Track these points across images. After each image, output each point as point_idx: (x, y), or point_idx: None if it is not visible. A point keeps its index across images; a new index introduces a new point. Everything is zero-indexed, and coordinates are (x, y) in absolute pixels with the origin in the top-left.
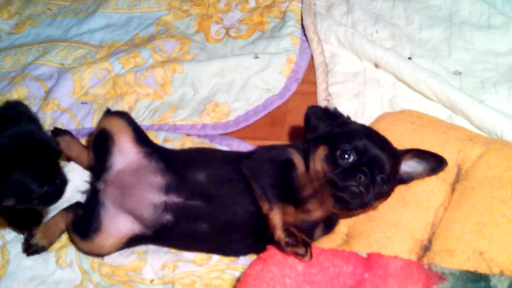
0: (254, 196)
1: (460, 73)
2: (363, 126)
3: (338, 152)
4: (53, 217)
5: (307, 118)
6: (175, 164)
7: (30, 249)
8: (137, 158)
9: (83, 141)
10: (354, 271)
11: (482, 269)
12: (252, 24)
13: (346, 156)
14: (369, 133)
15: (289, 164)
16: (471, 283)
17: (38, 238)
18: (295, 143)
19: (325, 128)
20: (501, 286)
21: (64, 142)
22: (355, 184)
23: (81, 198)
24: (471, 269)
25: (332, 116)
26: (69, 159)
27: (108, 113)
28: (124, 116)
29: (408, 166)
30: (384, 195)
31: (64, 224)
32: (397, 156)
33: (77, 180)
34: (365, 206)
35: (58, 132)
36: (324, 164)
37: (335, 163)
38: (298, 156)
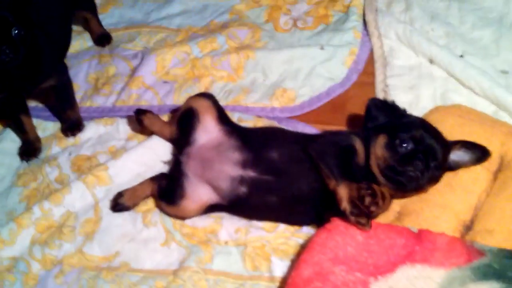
0: (321, 175)
1: (507, 72)
2: (419, 118)
3: (397, 141)
4: (141, 183)
5: (368, 108)
6: (252, 142)
7: (117, 206)
8: (218, 135)
9: (165, 117)
10: (406, 244)
11: None
12: (318, 17)
13: (405, 144)
14: (424, 125)
15: (351, 150)
16: (507, 259)
17: (125, 199)
18: (356, 131)
19: (384, 118)
20: None
21: (147, 119)
22: (412, 170)
23: (163, 167)
24: (508, 247)
25: (391, 108)
26: (152, 133)
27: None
28: (210, 97)
29: (456, 155)
30: (435, 179)
31: (149, 190)
32: (447, 145)
33: (159, 150)
34: (418, 189)
35: (140, 111)
36: (384, 151)
37: (394, 151)
38: (359, 143)
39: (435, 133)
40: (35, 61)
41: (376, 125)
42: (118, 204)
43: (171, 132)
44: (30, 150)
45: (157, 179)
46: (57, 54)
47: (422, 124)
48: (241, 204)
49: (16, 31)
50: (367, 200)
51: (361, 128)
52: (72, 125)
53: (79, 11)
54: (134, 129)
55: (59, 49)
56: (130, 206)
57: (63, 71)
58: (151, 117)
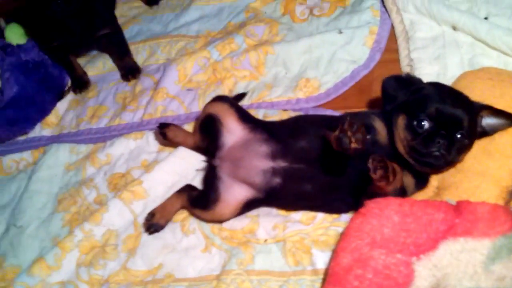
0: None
1: None
2: (435, 87)
3: (415, 122)
4: (169, 199)
5: (383, 90)
6: (278, 134)
7: (151, 228)
8: (243, 134)
9: (192, 124)
10: (446, 218)
11: None
12: (334, 1)
13: (422, 124)
14: (442, 95)
15: (371, 129)
16: None
17: (157, 219)
18: (377, 111)
19: (403, 97)
20: None
21: (170, 132)
22: (435, 149)
23: (196, 175)
24: None
25: (406, 84)
26: (177, 144)
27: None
28: (226, 99)
29: (490, 119)
30: (466, 148)
31: (179, 204)
32: (473, 108)
33: (191, 159)
34: (450, 164)
35: (163, 125)
36: (405, 133)
37: (414, 132)
38: (379, 122)
39: (455, 99)
40: (90, 11)
41: (397, 104)
42: (152, 225)
43: (195, 141)
44: (81, 83)
45: (184, 190)
46: (109, 3)
47: (438, 95)
48: (278, 195)
49: None
50: (379, 173)
51: (382, 109)
52: (131, 70)
53: None
54: (161, 142)
55: None
56: (163, 224)
57: (115, 19)
58: (174, 129)
